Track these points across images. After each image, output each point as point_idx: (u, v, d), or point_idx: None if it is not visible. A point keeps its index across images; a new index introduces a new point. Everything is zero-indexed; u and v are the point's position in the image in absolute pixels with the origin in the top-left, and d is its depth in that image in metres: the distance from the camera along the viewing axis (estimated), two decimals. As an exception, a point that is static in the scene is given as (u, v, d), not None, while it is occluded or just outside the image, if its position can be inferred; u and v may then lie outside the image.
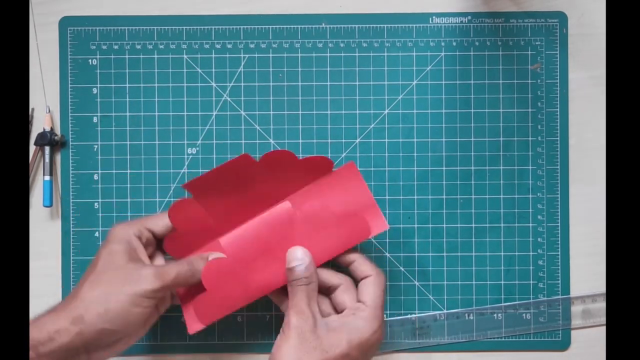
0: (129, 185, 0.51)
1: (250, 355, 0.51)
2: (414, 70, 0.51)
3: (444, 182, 0.51)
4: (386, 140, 0.51)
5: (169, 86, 0.51)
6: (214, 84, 0.51)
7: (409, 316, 0.51)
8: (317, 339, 0.41)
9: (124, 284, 0.41)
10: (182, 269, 0.43)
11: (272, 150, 0.49)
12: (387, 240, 0.51)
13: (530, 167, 0.51)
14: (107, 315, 0.40)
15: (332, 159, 0.51)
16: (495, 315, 0.51)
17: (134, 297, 0.40)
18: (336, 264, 0.46)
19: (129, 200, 0.51)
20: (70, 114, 0.51)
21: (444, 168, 0.51)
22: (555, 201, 0.51)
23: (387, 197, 0.51)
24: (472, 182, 0.51)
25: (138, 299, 0.41)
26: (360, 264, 0.45)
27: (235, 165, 0.44)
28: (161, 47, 0.51)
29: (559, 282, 0.51)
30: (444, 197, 0.51)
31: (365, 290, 0.44)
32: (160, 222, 0.46)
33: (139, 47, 0.51)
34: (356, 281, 0.45)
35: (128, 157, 0.51)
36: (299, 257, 0.44)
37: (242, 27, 0.51)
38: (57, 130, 0.51)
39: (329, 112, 0.51)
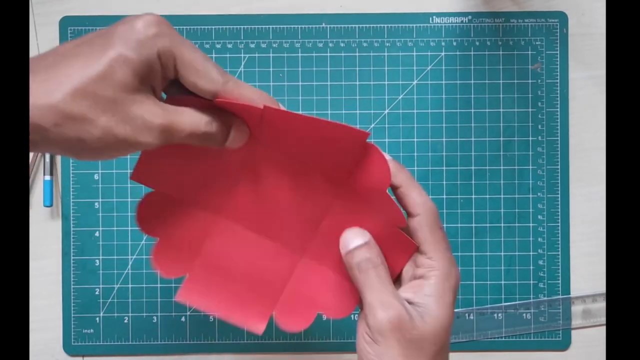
0: (129, 185, 0.51)
1: (252, 355, 0.51)
2: (414, 70, 0.51)
3: (444, 182, 0.51)
4: (386, 140, 0.51)
5: (169, 86, 0.51)
6: (214, 84, 0.51)
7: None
8: (420, 335, 0.32)
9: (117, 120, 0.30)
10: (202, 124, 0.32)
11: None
12: (387, 240, 0.51)
13: (530, 167, 0.51)
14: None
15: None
16: (495, 315, 0.51)
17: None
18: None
19: (129, 200, 0.50)
20: (70, 114, 0.51)
21: (444, 168, 0.51)
22: (556, 201, 0.51)
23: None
24: (473, 181, 0.51)
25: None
26: (409, 189, 0.35)
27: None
28: (161, 47, 0.51)
29: (559, 282, 0.51)
30: (445, 196, 0.51)
31: (422, 234, 0.34)
32: (195, 65, 0.32)
33: (139, 47, 0.51)
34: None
35: (128, 156, 0.51)
36: (359, 235, 0.35)
37: (242, 26, 0.51)
38: (57, 130, 0.51)
39: (329, 112, 0.51)
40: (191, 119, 0.32)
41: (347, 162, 0.34)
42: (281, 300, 0.37)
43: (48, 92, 0.29)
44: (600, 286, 0.51)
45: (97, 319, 0.50)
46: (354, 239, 0.35)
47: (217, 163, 0.36)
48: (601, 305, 0.51)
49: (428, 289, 0.33)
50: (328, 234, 0.36)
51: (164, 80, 0.32)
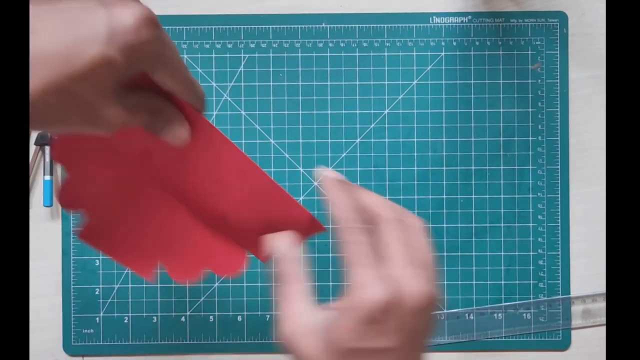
0: (129, 185, 0.51)
1: (251, 355, 0.51)
2: (414, 70, 0.51)
3: (444, 182, 0.51)
4: (386, 140, 0.51)
5: (169, 86, 0.51)
6: (214, 84, 0.51)
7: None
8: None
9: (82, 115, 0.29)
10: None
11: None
12: (387, 240, 0.51)
13: (530, 167, 0.51)
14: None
15: (332, 159, 0.51)
16: (495, 315, 0.51)
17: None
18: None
19: (129, 200, 0.50)
20: (70, 114, 0.51)
21: (444, 168, 0.51)
22: (556, 201, 0.51)
23: (387, 197, 0.51)
24: (473, 181, 0.51)
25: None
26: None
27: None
28: (161, 46, 0.51)
29: (559, 282, 0.51)
30: (444, 197, 0.51)
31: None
32: (174, 77, 0.31)
33: (139, 46, 0.51)
34: None
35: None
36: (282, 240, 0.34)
37: (242, 26, 0.51)
38: (57, 130, 0.51)
39: (329, 111, 0.51)
40: (145, 115, 0.31)
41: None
42: (172, 251, 0.38)
43: None
44: (600, 286, 0.51)
45: (97, 319, 0.50)
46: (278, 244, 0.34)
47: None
48: (601, 305, 0.51)
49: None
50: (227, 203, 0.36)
51: (134, 75, 0.30)
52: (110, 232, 0.38)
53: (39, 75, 0.27)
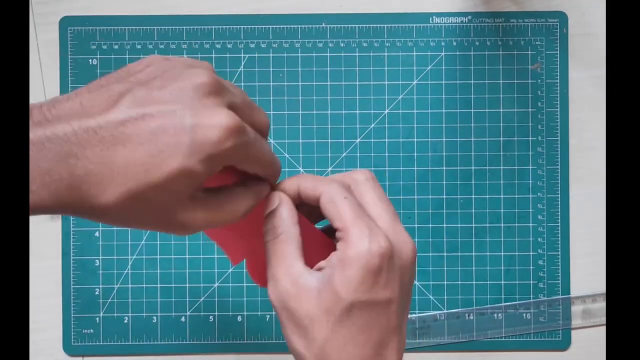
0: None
1: (252, 355, 0.51)
2: (414, 70, 0.51)
3: (444, 182, 0.51)
4: (386, 140, 0.51)
5: (169, 86, 0.51)
6: (214, 84, 0.51)
7: (409, 316, 0.51)
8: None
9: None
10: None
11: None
12: (387, 240, 0.51)
13: (530, 167, 0.51)
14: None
15: (332, 159, 0.51)
16: (495, 315, 0.51)
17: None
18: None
19: (129, 200, 0.50)
20: (70, 114, 0.51)
21: (444, 168, 0.51)
22: (555, 201, 0.51)
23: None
24: (473, 182, 0.51)
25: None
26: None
27: None
28: (161, 46, 0.51)
29: (559, 282, 0.51)
30: (444, 197, 0.51)
31: (327, 214, 0.31)
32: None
33: (139, 47, 0.51)
34: None
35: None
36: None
37: (242, 26, 0.51)
38: (57, 130, 0.51)
39: (329, 112, 0.51)
40: (232, 214, 0.30)
41: None
42: (258, 250, 0.36)
43: (100, 185, 0.26)
44: (600, 286, 0.51)
45: (97, 319, 0.50)
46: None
47: None
48: (601, 305, 0.51)
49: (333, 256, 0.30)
50: None
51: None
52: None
53: (118, 183, 0.26)
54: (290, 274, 0.30)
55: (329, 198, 0.31)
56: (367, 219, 0.30)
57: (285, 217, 0.32)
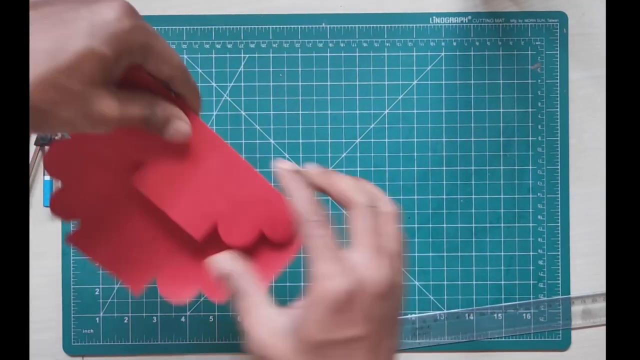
0: (129, 185, 0.51)
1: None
2: (414, 70, 0.51)
3: (444, 182, 0.51)
4: (386, 140, 0.51)
5: (169, 86, 0.51)
6: (214, 84, 0.51)
7: (409, 316, 0.51)
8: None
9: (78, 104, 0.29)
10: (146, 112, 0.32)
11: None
12: (387, 240, 0.51)
13: (530, 167, 0.51)
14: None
15: (332, 159, 0.51)
16: (495, 315, 0.51)
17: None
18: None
19: (129, 200, 0.50)
20: (70, 114, 0.51)
21: (444, 168, 0.51)
22: (555, 201, 0.51)
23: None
24: (473, 182, 0.51)
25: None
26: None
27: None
28: (161, 47, 0.51)
29: (559, 282, 0.51)
30: (444, 197, 0.51)
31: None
32: (169, 63, 0.32)
33: (139, 47, 0.51)
34: None
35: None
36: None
37: (242, 26, 0.51)
38: (57, 130, 0.51)
39: (329, 112, 0.51)
40: (141, 109, 0.32)
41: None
42: (164, 268, 0.38)
43: None
44: (600, 286, 0.51)
45: (97, 319, 0.50)
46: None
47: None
48: (601, 305, 0.51)
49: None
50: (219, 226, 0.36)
51: (126, 67, 0.31)
52: (102, 241, 0.38)
53: (31, 70, 0.28)
54: (260, 323, 0.31)
55: (305, 233, 0.31)
56: (333, 258, 0.30)
57: (239, 277, 0.33)
